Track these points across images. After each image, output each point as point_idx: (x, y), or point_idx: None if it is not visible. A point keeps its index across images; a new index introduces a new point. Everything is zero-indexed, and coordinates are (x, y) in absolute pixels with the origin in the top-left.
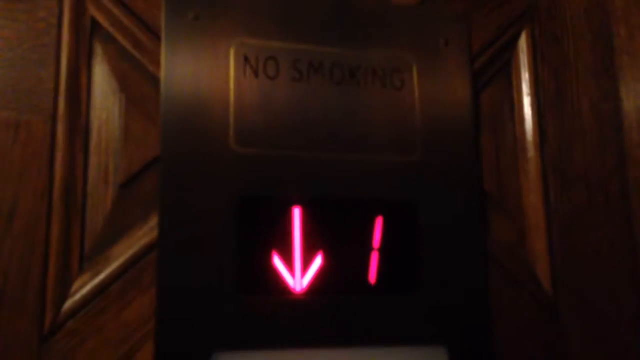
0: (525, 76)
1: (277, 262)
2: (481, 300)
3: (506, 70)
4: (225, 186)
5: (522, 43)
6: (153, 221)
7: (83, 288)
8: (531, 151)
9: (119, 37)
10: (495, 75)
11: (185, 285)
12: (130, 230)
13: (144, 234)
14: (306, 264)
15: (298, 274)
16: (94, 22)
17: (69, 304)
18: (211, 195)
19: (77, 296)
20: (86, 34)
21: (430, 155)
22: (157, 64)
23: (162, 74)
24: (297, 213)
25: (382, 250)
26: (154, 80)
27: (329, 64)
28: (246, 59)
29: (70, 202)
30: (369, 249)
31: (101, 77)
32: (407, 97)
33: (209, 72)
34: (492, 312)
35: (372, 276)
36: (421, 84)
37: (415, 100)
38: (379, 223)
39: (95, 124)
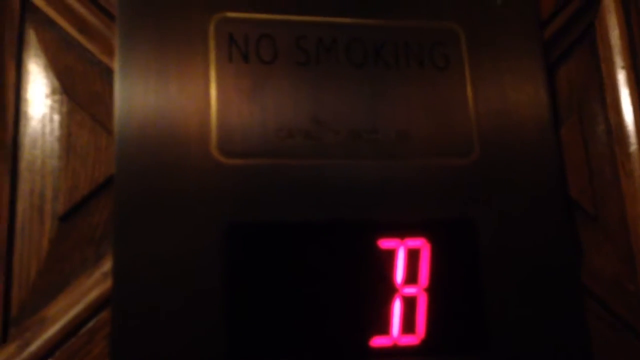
0: (616, 43)
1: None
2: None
3: (589, 36)
4: (208, 212)
5: None
6: (106, 266)
7: None
8: (634, 144)
9: (60, 20)
10: (575, 44)
11: (153, 358)
12: (75, 281)
13: (94, 285)
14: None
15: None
16: (26, 1)
17: None
18: (187, 225)
19: None
20: (14, 17)
21: (492, 156)
22: (111, 52)
23: (117, 65)
24: (307, 244)
25: (431, 290)
26: (107, 75)
27: (345, 41)
28: (232, 39)
29: None
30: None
31: (35, 74)
32: (454, 80)
33: (181, 59)
34: None
35: (420, 329)
36: (473, 60)
37: (466, 82)
38: (425, 252)
39: (26, 137)
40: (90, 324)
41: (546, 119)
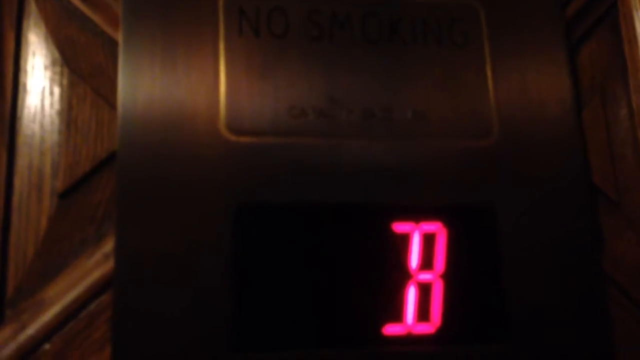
0: (639, 24)
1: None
2: (601, 353)
3: (612, 16)
4: (216, 192)
5: None
6: (107, 246)
7: (2, 349)
8: None
9: None
10: (597, 24)
11: (156, 343)
12: (74, 261)
13: (94, 266)
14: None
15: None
16: None
17: None
18: (194, 206)
19: None
20: None
21: (511, 139)
22: (115, 23)
23: (122, 36)
24: (319, 227)
25: (447, 277)
26: (111, 47)
27: (360, 15)
28: (242, 12)
29: None
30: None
31: (35, 44)
32: (473, 58)
33: (188, 32)
34: None
35: (435, 317)
36: (493, 38)
37: (485, 61)
38: (441, 237)
39: (25, 109)
40: (91, 307)
41: (568, 101)
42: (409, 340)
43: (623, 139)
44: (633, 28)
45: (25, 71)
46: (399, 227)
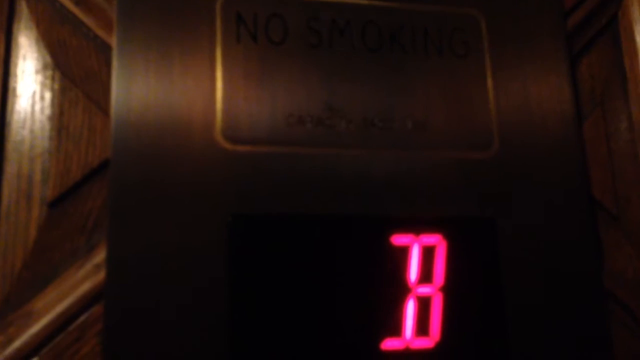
0: (639, 36)
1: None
2: None
3: (612, 28)
4: (211, 201)
5: None
6: (99, 257)
7: None
8: None
9: None
10: (598, 36)
11: (148, 357)
12: (64, 272)
13: (85, 277)
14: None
15: None
16: None
17: None
18: (188, 216)
19: None
20: None
21: (511, 150)
22: (109, 27)
23: (116, 41)
24: (316, 239)
25: (446, 290)
26: (104, 51)
27: (360, 23)
28: (240, 18)
29: None
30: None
31: (26, 48)
32: (474, 69)
33: (185, 37)
34: None
35: (434, 332)
36: (494, 49)
37: (486, 72)
38: (441, 250)
39: (14, 115)
40: (81, 320)
41: (569, 112)
42: (408, 355)
43: (623, 152)
44: (633, 40)
45: (15, 75)
46: (398, 239)
